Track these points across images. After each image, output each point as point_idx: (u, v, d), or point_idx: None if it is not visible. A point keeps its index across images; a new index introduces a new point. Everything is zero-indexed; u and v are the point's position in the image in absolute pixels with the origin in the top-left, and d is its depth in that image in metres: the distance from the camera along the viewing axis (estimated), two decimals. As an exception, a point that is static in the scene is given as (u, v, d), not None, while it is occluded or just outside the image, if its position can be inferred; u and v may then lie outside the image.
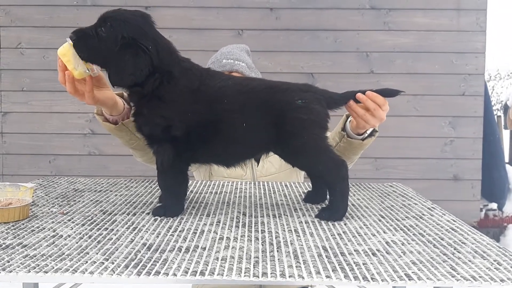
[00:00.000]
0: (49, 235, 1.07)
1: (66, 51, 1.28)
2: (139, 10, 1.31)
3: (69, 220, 1.20)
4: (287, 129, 1.24)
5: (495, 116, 5.05)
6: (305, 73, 3.98)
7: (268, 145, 1.30)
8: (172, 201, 1.27)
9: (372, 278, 0.85)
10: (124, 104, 1.62)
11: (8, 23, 3.96)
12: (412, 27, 3.99)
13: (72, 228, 1.13)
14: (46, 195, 1.49)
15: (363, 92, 1.39)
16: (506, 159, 5.21)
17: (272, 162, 1.97)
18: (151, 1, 3.95)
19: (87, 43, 1.26)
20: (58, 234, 1.08)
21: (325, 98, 1.30)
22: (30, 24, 3.95)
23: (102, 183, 1.70)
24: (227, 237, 1.08)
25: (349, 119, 1.70)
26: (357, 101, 1.39)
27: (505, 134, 6.30)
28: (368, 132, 1.67)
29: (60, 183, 1.69)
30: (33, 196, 1.42)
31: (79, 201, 1.42)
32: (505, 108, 6.35)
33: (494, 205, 4.43)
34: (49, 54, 3.91)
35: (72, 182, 1.71)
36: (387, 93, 1.39)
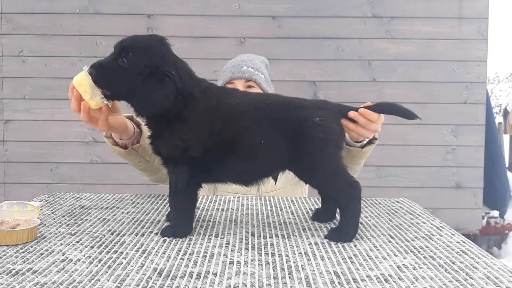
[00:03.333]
0: (58, 259, 1.07)
1: (83, 81, 1.25)
2: (155, 34, 1.30)
3: (77, 242, 1.19)
4: (304, 147, 1.23)
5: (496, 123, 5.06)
6: (307, 81, 3.98)
7: (285, 162, 1.29)
8: (181, 222, 1.26)
9: (386, 308, 0.84)
10: (134, 128, 1.60)
11: (10, 31, 3.95)
12: (414, 36, 3.99)
13: (81, 251, 1.12)
14: (53, 212, 1.49)
15: (356, 110, 1.36)
16: (506, 164, 5.21)
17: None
18: (153, 9, 3.95)
19: (109, 77, 1.24)
20: (67, 258, 1.07)
21: (341, 114, 1.31)
22: (32, 32, 3.93)
23: (108, 199, 1.69)
24: (237, 261, 1.07)
25: None
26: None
27: (505, 139, 6.31)
28: (367, 139, 1.64)
29: (66, 199, 1.69)
30: (40, 214, 1.41)
31: (86, 219, 1.41)
32: (505, 113, 6.37)
33: (495, 213, 4.43)
34: (51, 62, 3.90)
35: (78, 198, 1.71)
36: (384, 108, 1.37)
